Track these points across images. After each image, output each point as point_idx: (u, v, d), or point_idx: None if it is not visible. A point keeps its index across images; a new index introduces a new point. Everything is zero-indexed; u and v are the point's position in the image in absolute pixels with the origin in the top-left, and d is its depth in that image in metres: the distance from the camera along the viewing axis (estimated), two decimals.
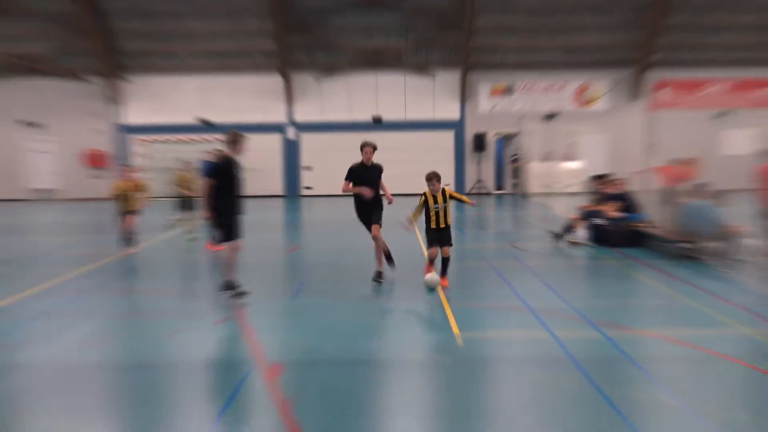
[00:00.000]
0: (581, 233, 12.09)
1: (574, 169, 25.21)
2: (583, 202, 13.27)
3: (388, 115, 26.28)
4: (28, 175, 26.76)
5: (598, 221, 11.87)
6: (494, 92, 26.57)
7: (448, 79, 26.36)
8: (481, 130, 26.47)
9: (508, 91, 26.49)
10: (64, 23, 24.20)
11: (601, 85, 26.46)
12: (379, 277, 8.64)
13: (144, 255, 11.32)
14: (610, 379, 5.01)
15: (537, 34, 24.76)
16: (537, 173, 25.63)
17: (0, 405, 4.77)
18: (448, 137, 26.82)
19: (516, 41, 25.14)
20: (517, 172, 26.62)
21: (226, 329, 6.65)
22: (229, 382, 5.23)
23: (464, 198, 8.77)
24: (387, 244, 8.91)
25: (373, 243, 8.75)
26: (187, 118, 26.28)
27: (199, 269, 10.47)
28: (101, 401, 4.99)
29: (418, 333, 6.64)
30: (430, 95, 26.59)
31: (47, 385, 5.13)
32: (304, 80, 26.50)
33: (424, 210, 8.34)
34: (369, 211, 8.65)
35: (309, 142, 26.92)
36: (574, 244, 11.91)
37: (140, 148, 26.60)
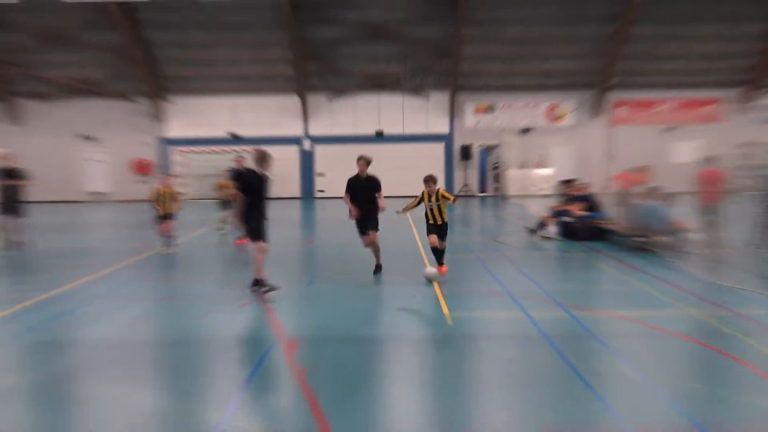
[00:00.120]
0: (552, 229, 12.05)
1: (546, 175, 25.20)
2: (554, 202, 13.23)
3: (388, 130, 26.23)
4: (85, 181, 26.75)
5: (566, 219, 11.84)
6: (478, 110, 26.50)
7: (439, 99, 26.30)
8: (467, 142, 26.41)
9: (490, 109, 26.43)
10: (116, 53, 24.20)
11: (568, 104, 26.38)
12: (378, 269, 8.48)
13: (181, 249, 11.25)
14: (576, 353, 4.98)
15: (514, 61, 24.71)
16: (514, 178, 25.63)
17: (61, 375, 4.75)
18: (439, 148, 26.76)
19: (497, 67, 25.09)
20: (497, 178, 26.57)
21: (251, 311, 6.62)
22: (254, 355, 5.21)
23: (452, 199, 8.25)
24: (380, 251, 8.44)
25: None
26: (219, 132, 26.23)
27: (228, 261, 10.45)
28: (147, 372, 4.97)
29: (414, 313, 6.61)
30: (424, 113, 26.53)
31: (101, 359, 5.11)
32: (317, 100, 26.45)
33: (420, 206, 8.19)
34: (364, 220, 8.22)
35: (322, 153, 26.87)
36: (546, 238, 11.87)
37: (179, 158, 26.56)
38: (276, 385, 4.53)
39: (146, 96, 25.99)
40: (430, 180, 8.08)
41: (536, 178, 25.40)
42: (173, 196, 11.01)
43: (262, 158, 7.26)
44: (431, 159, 26.11)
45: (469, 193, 26.46)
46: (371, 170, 8.35)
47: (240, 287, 7.57)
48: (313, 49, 24.30)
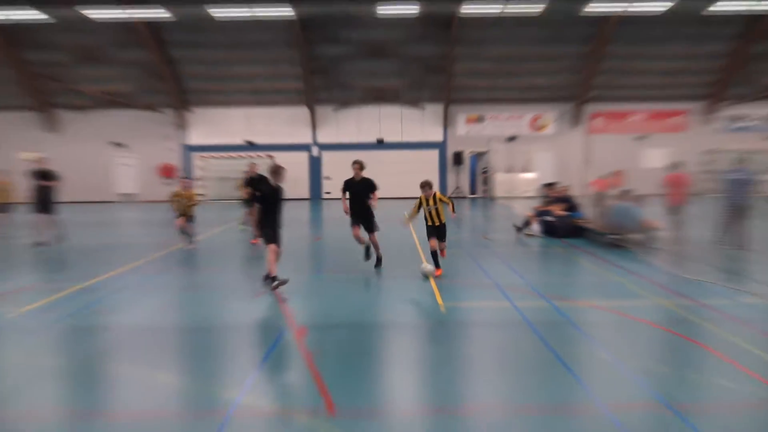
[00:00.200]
0: (535, 227, 12.04)
1: (530, 179, 25.16)
2: (537, 203, 13.22)
3: (388, 138, 26.21)
4: (116, 183, 26.70)
5: (548, 218, 11.83)
6: (469, 120, 26.46)
7: (434, 111, 26.26)
8: (459, 148, 26.37)
9: (479, 119, 26.38)
10: (144, 69, 24.16)
11: (549, 115, 26.34)
12: (379, 262, 8.48)
13: (201, 244, 11.24)
14: (557, 338, 4.98)
15: (501, 77, 24.67)
16: (502, 182, 25.60)
17: (94, 357, 4.75)
18: (434, 154, 26.71)
19: (485, 82, 25.06)
20: (486, 181, 26.56)
21: (265, 300, 6.62)
22: (267, 339, 5.22)
23: (451, 204, 8.09)
24: (378, 244, 8.47)
25: (367, 237, 8.39)
26: (236, 140, 26.20)
27: (244, 256, 10.43)
28: (171, 353, 4.98)
29: (411, 303, 6.59)
30: (420, 123, 26.50)
31: (131, 342, 5.12)
32: (324, 111, 26.42)
33: (420, 210, 7.97)
34: (358, 219, 8.33)
35: (328, 158, 26.82)
36: (530, 235, 11.86)
37: (200, 163, 26.52)
38: (287, 366, 4.53)
39: (171, 107, 25.96)
40: (426, 186, 7.92)
41: (521, 181, 25.36)
42: (190, 198, 10.72)
43: (277, 171, 7.26)
44: (427, 164, 26.10)
45: (460, 195, 26.44)
46: (368, 174, 8.47)
47: (255, 280, 7.57)
48: (320, 66, 24.28)
